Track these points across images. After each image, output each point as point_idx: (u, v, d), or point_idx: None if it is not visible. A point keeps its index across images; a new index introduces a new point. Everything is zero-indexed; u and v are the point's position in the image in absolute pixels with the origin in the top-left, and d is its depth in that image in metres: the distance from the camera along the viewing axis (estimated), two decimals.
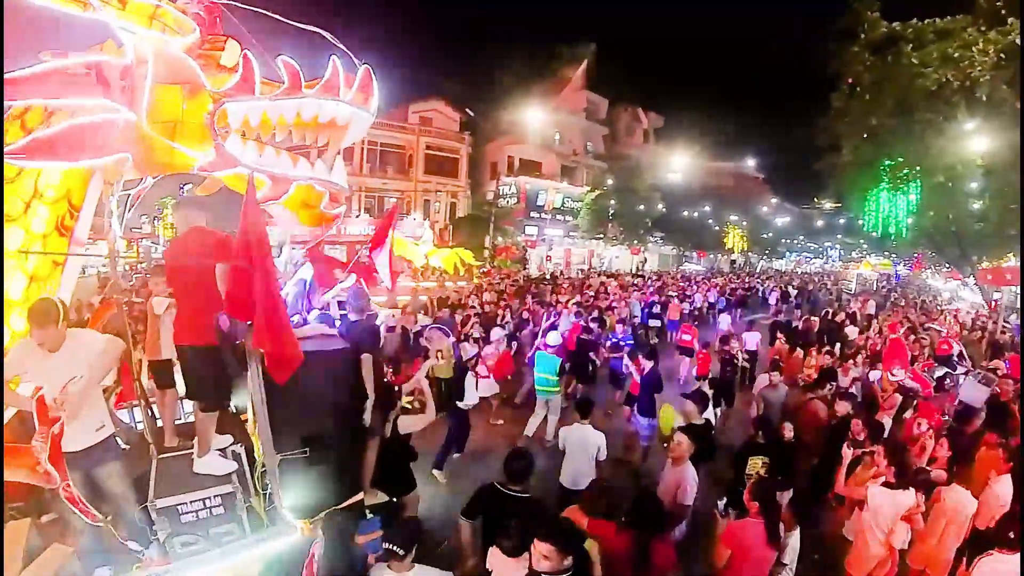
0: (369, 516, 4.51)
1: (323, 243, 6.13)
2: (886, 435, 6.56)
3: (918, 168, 16.32)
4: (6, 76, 2.99)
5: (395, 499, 5.18)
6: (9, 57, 3.01)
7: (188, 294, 3.69)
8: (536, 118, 32.36)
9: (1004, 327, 15.92)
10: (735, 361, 11.44)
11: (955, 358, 9.98)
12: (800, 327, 15.36)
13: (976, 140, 13.42)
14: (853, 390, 8.81)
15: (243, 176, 3.59)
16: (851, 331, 14.85)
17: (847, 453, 5.60)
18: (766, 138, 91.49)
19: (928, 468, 5.40)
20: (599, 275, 32.22)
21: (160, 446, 4.06)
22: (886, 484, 4.87)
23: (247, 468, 3.85)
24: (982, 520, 4.93)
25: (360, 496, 4.36)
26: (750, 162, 59.45)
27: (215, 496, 3.53)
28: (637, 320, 17.03)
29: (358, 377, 4.51)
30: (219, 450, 3.90)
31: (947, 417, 7.16)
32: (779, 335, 12.64)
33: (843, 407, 7.13)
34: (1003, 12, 11.53)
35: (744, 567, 4.17)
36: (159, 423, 4.44)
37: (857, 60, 14.65)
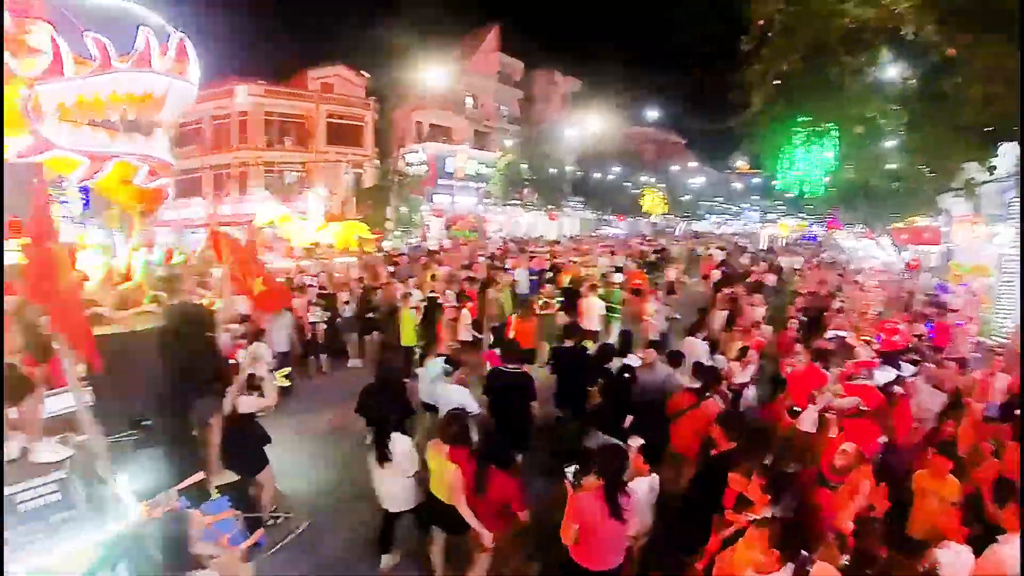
0: (215, 496, 4.70)
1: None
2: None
3: (833, 123, 16.13)
4: None
5: (246, 477, 5.52)
6: None
7: None
8: (446, 81, 31.64)
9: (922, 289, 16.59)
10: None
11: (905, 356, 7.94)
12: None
13: (898, 89, 13.13)
14: (750, 394, 7.40)
15: (66, 159, 3.82)
16: (770, 278, 16.85)
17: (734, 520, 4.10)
18: (686, 99, 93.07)
19: None
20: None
21: None
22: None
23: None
24: None
25: (199, 476, 4.53)
26: (669, 125, 61.44)
27: (48, 483, 3.58)
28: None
29: (187, 358, 4.88)
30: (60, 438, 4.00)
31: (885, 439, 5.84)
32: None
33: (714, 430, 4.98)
34: None
35: (595, 540, 4.02)
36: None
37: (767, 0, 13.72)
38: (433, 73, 29.73)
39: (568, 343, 7.75)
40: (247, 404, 5.41)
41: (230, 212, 30.80)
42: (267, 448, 5.76)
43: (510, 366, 6.52)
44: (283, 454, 6.29)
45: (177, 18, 3.92)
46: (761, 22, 14.20)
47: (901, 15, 10.47)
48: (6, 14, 3.62)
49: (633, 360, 7.17)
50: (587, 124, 40.54)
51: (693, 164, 66.66)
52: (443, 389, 6.35)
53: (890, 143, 15.78)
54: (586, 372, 7.32)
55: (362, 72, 32.52)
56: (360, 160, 35.89)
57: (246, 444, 5.49)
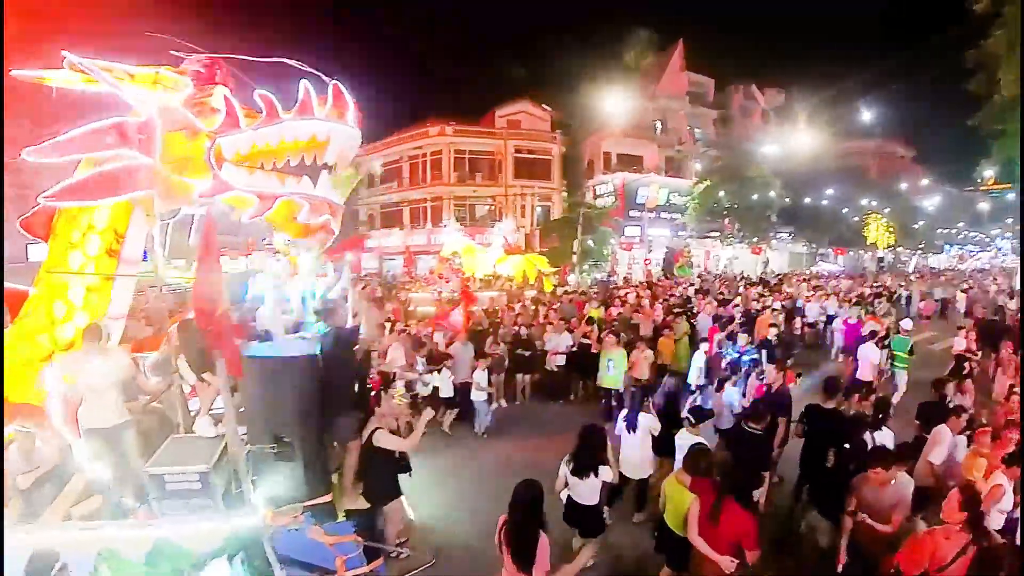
0: (341, 519, 5.27)
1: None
2: None
3: None
4: (58, 139, 4.34)
5: (376, 507, 5.91)
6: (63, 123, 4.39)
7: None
8: (633, 107, 32.02)
9: None
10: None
11: None
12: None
13: None
14: None
15: (241, 198, 4.69)
16: None
17: None
18: (910, 98, 78.80)
19: None
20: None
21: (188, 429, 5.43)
22: None
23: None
24: None
25: (327, 498, 5.12)
26: (891, 134, 55.62)
27: (192, 472, 4.55)
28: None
29: (329, 384, 5.47)
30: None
31: None
32: None
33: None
34: None
35: None
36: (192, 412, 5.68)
37: None
38: (618, 100, 30.13)
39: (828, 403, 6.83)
40: (385, 440, 5.77)
41: (424, 242, 34.70)
42: (403, 479, 6.24)
43: (752, 424, 6.34)
44: (416, 488, 6.85)
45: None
46: None
47: None
48: (189, 81, 4.79)
49: (887, 437, 6.37)
50: (794, 141, 36.76)
51: (925, 182, 60.03)
52: (683, 437, 6.40)
53: None
54: (834, 438, 6.33)
55: (545, 107, 34.13)
56: (548, 193, 37.96)
57: (379, 473, 5.88)
